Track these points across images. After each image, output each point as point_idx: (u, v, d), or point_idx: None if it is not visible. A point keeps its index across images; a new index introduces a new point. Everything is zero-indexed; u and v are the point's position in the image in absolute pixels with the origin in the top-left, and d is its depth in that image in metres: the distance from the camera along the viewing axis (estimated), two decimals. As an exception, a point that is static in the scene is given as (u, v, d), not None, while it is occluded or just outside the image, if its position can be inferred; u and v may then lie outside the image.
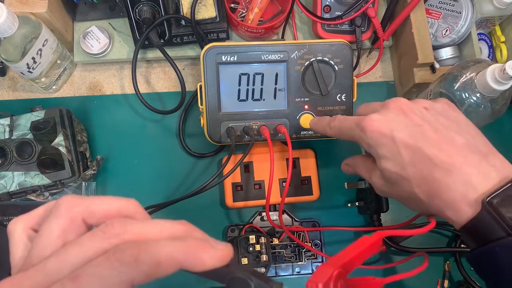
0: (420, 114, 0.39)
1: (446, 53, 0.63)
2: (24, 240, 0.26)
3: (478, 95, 0.48)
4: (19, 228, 0.26)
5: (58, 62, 0.61)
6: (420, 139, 0.38)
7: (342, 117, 0.45)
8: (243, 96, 0.56)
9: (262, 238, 0.55)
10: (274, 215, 0.59)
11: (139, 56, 0.60)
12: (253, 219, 0.59)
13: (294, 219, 0.60)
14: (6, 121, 0.55)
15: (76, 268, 0.22)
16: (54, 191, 0.56)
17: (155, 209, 0.54)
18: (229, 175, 0.53)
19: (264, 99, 0.56)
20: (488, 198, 0.34)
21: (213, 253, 0.23)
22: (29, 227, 0.27)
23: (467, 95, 0.49)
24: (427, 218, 0.41)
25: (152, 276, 0.22)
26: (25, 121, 0.55)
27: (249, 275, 0.23)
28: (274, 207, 0.59)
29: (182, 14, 0.59)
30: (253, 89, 0.55)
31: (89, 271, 0.22)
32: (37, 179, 0.54)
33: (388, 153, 0.39)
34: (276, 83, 0.55)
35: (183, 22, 0.60)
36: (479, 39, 0.64)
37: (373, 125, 0.40)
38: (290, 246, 0.58)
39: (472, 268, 0.54)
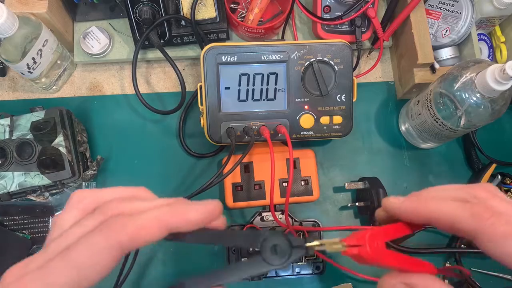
0: None
1: (446, 53, 0.63)
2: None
3: (478, 95, 0.48)
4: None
5: (58, 62, 0.61)
6: None
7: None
8: (243, 96, 0.56)
9: (262, 238, 0.55)
10: (272, 216, 0.59)
11: (139, 56, 0.60)
12: (253, 219, 0.59)
13: (294, 219, 0.60)
14: (6, 121, 0.55)
15: None
16: (54, 191, 0.56)
17: None
18: (229, 174, 0.53)
19: (264, 100, 0.56)
20: None
21: (198, 208, 0.26)
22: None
23: (467, 95, 0.49)
24: None
25: (138, 239, 0.24)
26: (25, 121, 0.55)
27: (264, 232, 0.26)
28: (274, 208, 0.59)
29: (182, 14, 0.59)
30: (253, 89, 0.55)
31: (81, 240, 0.24)
32: (37, 179, 0.54)
33: None
34: (276, 83, 0.56)
35: (183, 22, 0.60)
36: (479, 40, 0.64)
37: None
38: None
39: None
